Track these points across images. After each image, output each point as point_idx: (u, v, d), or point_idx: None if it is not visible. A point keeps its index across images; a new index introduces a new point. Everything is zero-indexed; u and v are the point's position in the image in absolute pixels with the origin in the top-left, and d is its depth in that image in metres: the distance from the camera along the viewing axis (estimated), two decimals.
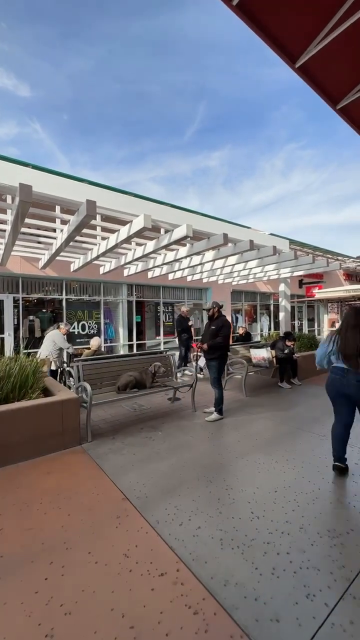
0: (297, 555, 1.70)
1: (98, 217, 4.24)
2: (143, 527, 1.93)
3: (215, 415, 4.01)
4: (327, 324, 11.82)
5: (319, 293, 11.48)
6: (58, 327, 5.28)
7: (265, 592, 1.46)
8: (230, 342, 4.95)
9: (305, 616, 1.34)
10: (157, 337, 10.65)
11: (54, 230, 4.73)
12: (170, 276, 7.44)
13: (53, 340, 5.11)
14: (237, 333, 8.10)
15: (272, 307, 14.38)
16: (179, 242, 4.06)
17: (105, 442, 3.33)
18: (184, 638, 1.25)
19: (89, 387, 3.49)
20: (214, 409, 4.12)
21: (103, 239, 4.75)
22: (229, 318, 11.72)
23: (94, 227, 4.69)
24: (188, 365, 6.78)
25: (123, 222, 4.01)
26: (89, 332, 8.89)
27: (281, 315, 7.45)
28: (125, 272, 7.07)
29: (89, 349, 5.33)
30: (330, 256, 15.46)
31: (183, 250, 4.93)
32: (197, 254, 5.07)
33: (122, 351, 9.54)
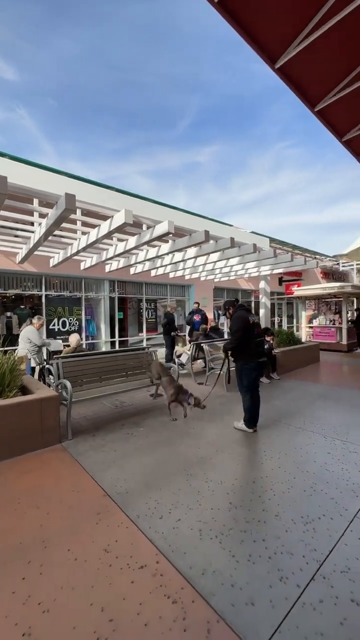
0: (272, 541, 1.77)
1: (78, 211, 4.14)
2: (123, 522, 1.95)
3: (242, 424, 3.50)
4: (305, 321, 12.21)
5: (297, 290, 11.81)
6: (31, 323, 5.12)
7: (242, 578, 1.52)
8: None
9: (279, 598, 1.41)
10: (140, 334, 10.60)
11: (32, 224, 4.58)
12: (153, 272, 7.42)
13: (27, 337, 4.97)
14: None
15: (253, 304, 14.66)
16: (161, 238, 4.05)
17: (86, 440, 3.29)
18: (163, 626, 1.28)
19: (69, 385, 3.44)
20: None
21: (83, 233, 4.65)
22: (210, 315, 11.85)
23: (74, 222, 4.58)
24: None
25: (104, 217, 3.95)
26: (70, 328, 8.70)
27: (261, 311, 7.62)
28: (107, 268, 6.98)
29: (68, 346, 5.22)
30: (308, 254, 15.96)
31: (165, 247, 4.92)
32: (179, 250, 5.08)
33: (104, 348, 9.42)
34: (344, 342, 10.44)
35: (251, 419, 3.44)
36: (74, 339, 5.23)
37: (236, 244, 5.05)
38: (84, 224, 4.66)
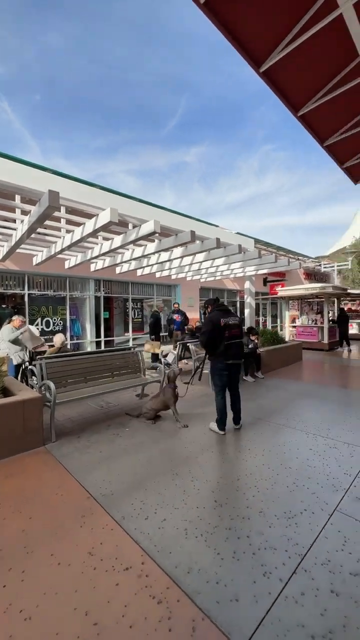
0: (256, 537, 1.80)
1: (62, 209, 4.06)
2: (108, 524, 1.93)
3: (215, 425, 3.51)
4: (289, 320, 12.49)
5: (281, 291, 12.06)
6: (10, 322, 4.97)
7: (226, 575, 1.54)
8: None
9: (262, 593, 1.44)
10: (126, 334, 10.52)
11: (14, 221, 4.44)
12: (139, 272, 7.37)
13: (2, 336, 4.84)
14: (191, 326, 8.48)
15: (238, 304, 14.86)
16: (147, 237, 4.03)
17: (71, 441, 3.24)
18: (148, 627, 1.28)
19: (52, 386, 3.37)
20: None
21: (68, 232, 4.56)
22: (196, 315, 11.90)
23: (57, 219, 4.48)
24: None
25: (89, 216, 3.89)
26: (54, 328, 8.53)
27: (246, 311, 7.73)
28: (92, 267, 6.87)
29: (52, 346, 5.11)
30: (291, 256, 16.33)
31: (151, 246, 4.90)
32: (165, 250, 5.07)
33: (90, 348, 9.29)
34: (325, 341, 10.76)
35: (220, 420, 3.44)
36: (58, 339, 5.12)
37: (222, 244, 5.10)
38: (69, 222, 4.58)
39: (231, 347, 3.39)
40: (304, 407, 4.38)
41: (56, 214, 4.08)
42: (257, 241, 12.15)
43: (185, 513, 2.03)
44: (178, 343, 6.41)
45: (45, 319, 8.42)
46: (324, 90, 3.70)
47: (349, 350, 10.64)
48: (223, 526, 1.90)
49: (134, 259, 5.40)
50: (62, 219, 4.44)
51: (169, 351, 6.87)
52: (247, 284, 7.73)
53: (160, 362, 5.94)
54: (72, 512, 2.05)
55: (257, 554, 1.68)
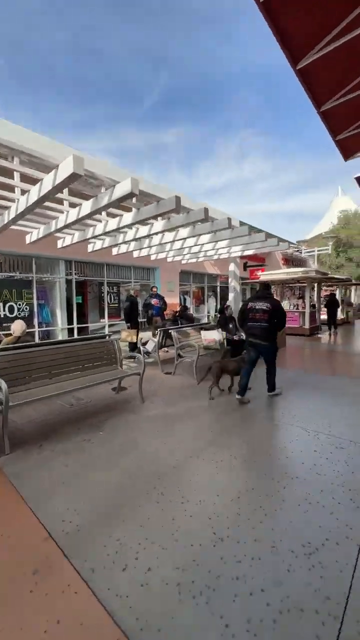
0: (273, 591, 1.34)
1: (15, 159, 3.23)
2: (71, 585, 1.38)
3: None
4: None
5: (262, 275, 11.75)
6: None
7: None
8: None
9: None
10: (102, 320, 9.75)
11: None
12: (114, 251, 6.59)
13: None
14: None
15: (218, 289, 14.44)
16: (123, 201, 3.30)
17: (30, 453, 2.62)
18: None
19: (4, 385, 2.69)
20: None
21: (23, 192, 3.71)
22: (177, 300, 11.33)
23: (10, 174, 3.61)
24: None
25: (48, 170, 3.10)
26: (19, 314, 7.59)
27: (231, 295, 7.28)
28: (60, 243, 5.99)
29: (10, 334, 4.33)
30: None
31: (128, 217, 4.17)
32: (145, 222, 4.37)
33: (61, 336, 8.47)
34: (306, 326, 10.68)
35: (241, 388, 3.87)
36: (18, 326, 4.34)
37: (210, 217, 4.50)
38: (23, 178, 3.69)
39: (250, 328, 4.02)
40: (296, 397, 4.04)
41: (8, 165, 3.25)
42: (241, 224, 11.63)
43: (177, 555, 1.53)
44: (159, 330, 5.84)
45: (9, 303, 7.46)
46: (327, 39, 3.13)
47: (335, 334, 10.71)
48: (228, 575, 1.42)
49: (108, 232, 4.64)
50: (15, 173, 3.56)
51: (149, 338, 6.28)
52: (231, 266, 7.24)
53: (139, 352, 5.36)
54: (20, 567, 1.48)
55: (279, 621, 1.22)
